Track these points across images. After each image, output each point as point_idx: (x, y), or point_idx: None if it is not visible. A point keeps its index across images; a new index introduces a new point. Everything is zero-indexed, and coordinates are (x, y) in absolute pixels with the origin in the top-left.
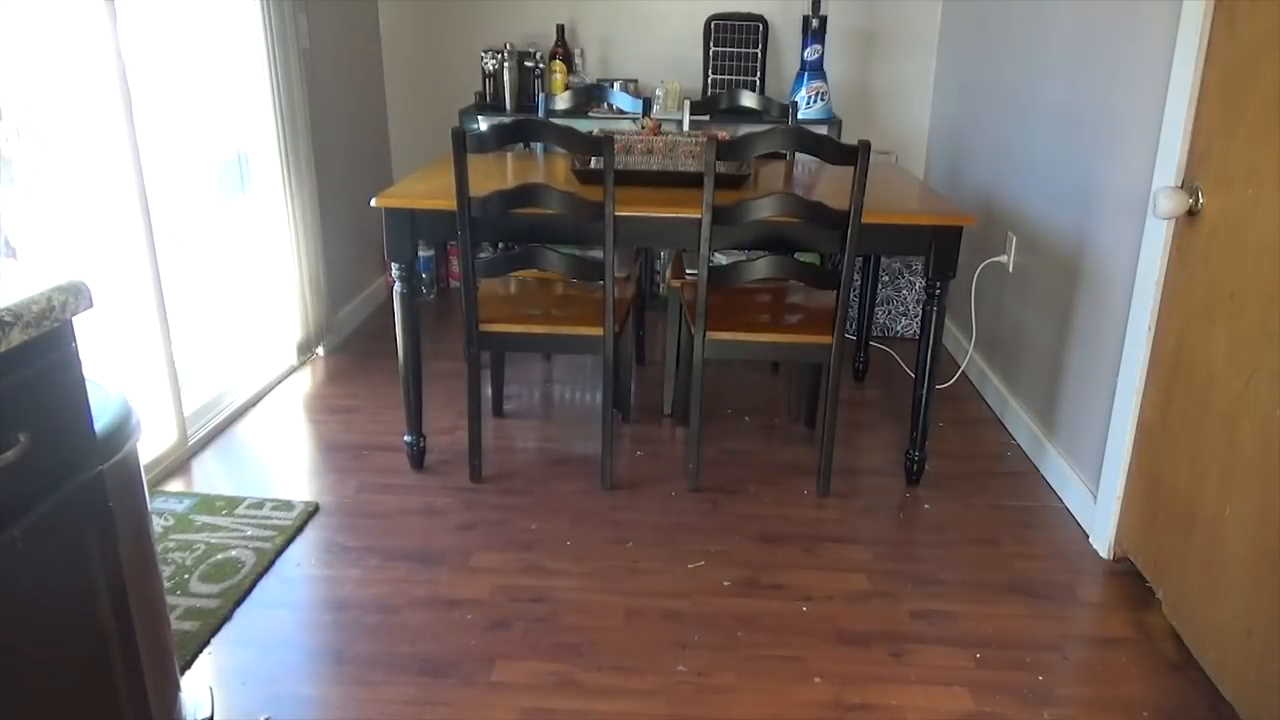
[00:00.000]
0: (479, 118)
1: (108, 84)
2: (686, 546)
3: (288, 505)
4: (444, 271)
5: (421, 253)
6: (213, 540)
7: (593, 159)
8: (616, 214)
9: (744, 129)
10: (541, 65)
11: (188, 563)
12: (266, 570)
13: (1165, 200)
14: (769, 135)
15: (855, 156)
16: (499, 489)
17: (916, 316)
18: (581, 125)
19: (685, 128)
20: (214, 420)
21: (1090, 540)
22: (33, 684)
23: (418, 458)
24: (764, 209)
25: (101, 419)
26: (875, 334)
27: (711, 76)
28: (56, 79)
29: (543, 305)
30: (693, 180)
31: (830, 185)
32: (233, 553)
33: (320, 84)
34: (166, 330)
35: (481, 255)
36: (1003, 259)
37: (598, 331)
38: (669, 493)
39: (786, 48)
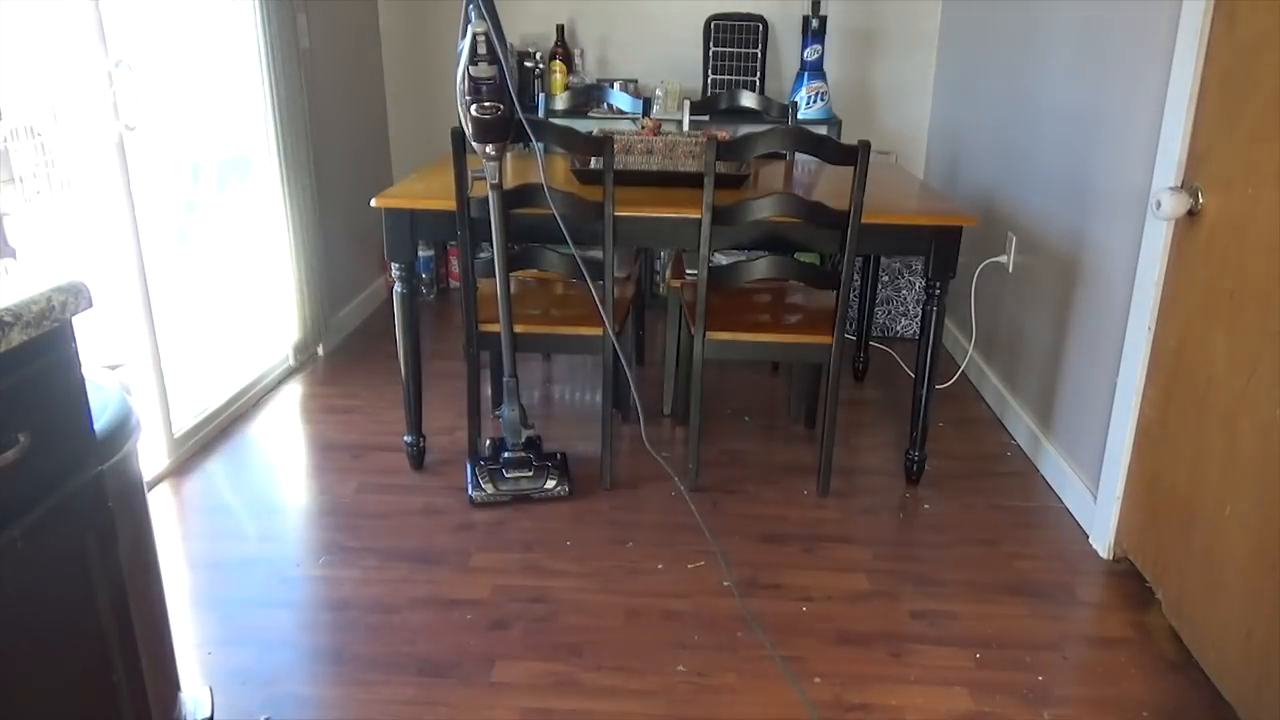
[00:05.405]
0: None
1: (107, 83)
2: (686, 546)
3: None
4: (444, 271)
5: (421, 253)
6: None
7: (593, 159)
8: (616, 214)
9: (744, 129)
10: (541, 65)
11: None
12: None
13: (1168, 201)
14: (769, 135)
15: (855, 156)
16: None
17: (916, 316)
18: (581, 125)
19: (685, 128)
20: (213, 420)
21: (1090, 540)
22: (33, 684)
23: (417, 458)
24: (764, 209)
25: (101, 419)
26: (875, 334)
27: (711, 76)
28: (56, 79)
29: (542, 305)
30: (693, 180)
31: (830, 185)
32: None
33: (320, 84)
34: (158, 332)
35: (481, 255)
36: (1002, 259)
37: (597, 331)
38: (669, 493)
39: (786, 48)
